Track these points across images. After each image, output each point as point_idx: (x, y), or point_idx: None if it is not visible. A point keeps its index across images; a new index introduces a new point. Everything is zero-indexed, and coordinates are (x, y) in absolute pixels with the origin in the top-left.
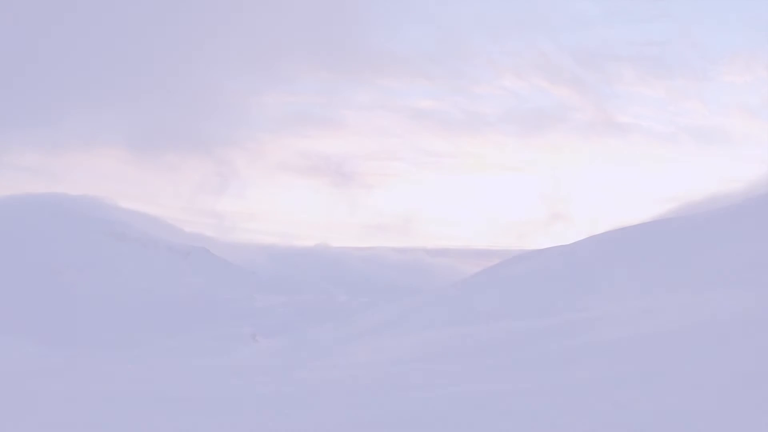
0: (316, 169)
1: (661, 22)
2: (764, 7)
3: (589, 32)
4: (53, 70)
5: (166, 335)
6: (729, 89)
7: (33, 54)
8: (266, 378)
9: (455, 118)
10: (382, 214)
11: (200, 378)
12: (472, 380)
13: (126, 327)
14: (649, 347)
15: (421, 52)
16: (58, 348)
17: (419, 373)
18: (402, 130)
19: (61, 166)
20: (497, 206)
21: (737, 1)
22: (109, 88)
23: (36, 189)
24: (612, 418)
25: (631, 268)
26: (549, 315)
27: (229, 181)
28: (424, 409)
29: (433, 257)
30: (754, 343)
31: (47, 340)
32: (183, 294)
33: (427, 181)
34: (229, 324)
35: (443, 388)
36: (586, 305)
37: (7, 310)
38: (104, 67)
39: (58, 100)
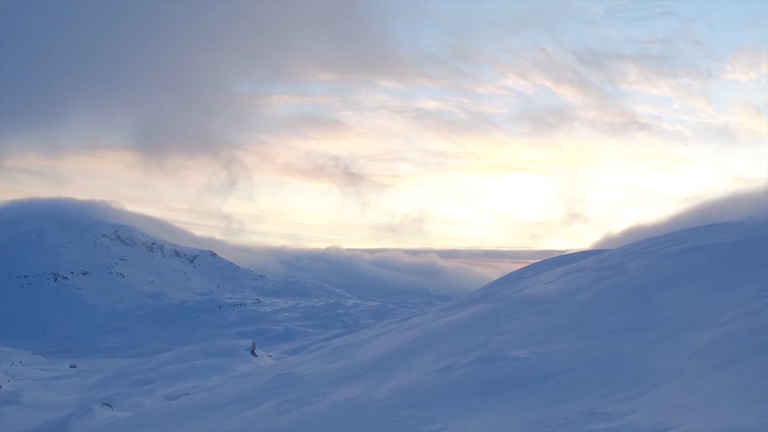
0: (323, 170)
1: (664, 20)
2: (767, 4)
3: (591, 31)
4: (57, 72)
5: (169, 341)
6: (734, 87)
7: (37, 56)
8: None
9: (459, 119)
10: (391, 216)
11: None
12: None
13: (130, 331)
14: None
15: (425, 53)
16: (62, 352)
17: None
18: (406, 130)
19: (67, 170)
20: (503, 206)
21: None
22: (115, 90)
23: (42, 193)
24: None
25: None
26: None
27: (237, 183)
28: None
29: (444, 259)
30: None
31: (51, 343)
32: (189, 298)
33: (434, 181)
34: (233, 330)
35: None
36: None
37: (12, 314)
38: (109, 69)
39: (63, 103)
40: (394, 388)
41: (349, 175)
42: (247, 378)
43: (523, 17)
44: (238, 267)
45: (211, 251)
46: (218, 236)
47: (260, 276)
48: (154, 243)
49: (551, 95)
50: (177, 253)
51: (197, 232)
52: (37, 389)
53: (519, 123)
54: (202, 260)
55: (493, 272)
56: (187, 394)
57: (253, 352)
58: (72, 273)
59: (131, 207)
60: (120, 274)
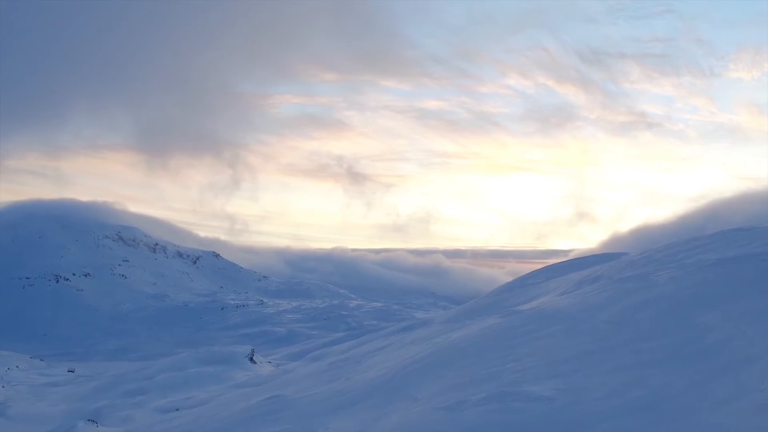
0: (327, 170)
1: (666, 18)
2: None
3: (593, 30)
4: (58, 72)
5: (171, 344)
6: (736, 85)
7: (37, 56)
8: None
9: (462, 118)
10: (396, 216)
11: None
12: None
13: (133, 333)
14: None
15: (427, 52)
16: (63, 354)
17: None
18: (409, 130)
19: (68, 170)
20: (507, 206)
21: None
22: (116, 89)
23: (44, 194)
24: None
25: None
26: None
27: (240, 183)
28: None
29: (450, 259)
30: None
31: (52, 346)
32: (192, 300)
33: (438, 181)
34: (236, 332)
35: None
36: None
37: (13, 316)
38: (110, 69)
39: (64, 103)
40: (394, 427)
41: (353, 175)
42: (240, 392)
43: (524, 16)
44: (242, 268)
45: (214, 252)
46: (222, 237)
47: (264, 277)
48: (156, 244)
49: (554, 94)
50: (180, 254)
51: (200, 233)
52: (28, 399)
53: (522, 122)
54: (205, 261)
55: (499, 272)
56: (177, 410)
57: (251, 359)
58: (74, 274)
59: (134, 208)
60: (122, 275)
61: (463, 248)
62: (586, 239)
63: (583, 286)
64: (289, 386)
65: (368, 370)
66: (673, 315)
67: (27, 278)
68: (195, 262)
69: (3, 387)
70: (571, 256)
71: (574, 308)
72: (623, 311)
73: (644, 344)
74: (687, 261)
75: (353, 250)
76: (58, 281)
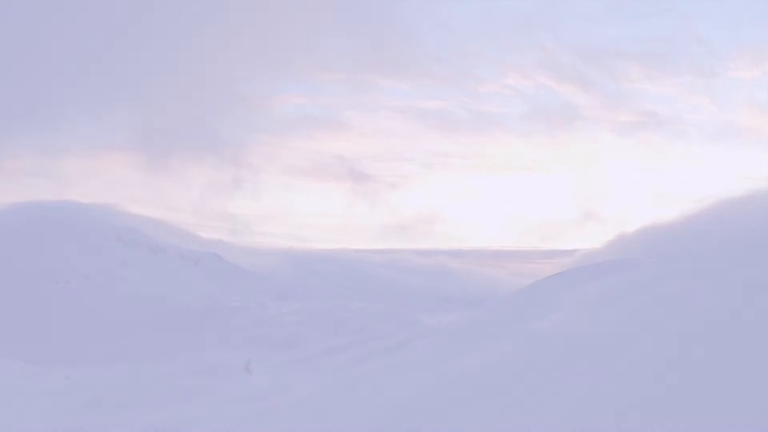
0: (329, 171)
1: (666, 17)
2: None
3: (593, 29)
4: (58, 70)
5: (171, 347)
6: (737, 85)
7: (38, 55)
8: None
9: (462, 118)
10: (400, 216)
11: None
12: None
13: (133, 336)
14: None
15: (427, 52)
16: (62, 359)
17: None
18: (409, 130)
19: (68, 171)
20: (509, 206)
21: None
22: (117, 89)
23: (43, 196)
24: None
25: None
26: None
27: (242, 184)
28: None
29: (454, 259)
30: None
31: (51, 350)
32: (192, 302)
33: (440, 182)
34: (237, 335)
35: None
36: None
37: (12, 320)
38: (111, 68)
39: (64, 103)
40: None
41: (355, 176)
42: (230, 411)
43: (524, 16)
44: (244, 269)
45: (216, 253)
46: (224, 238)
47: (265, 278)
48: (157, 246)
49: (553, 94)
50: (181, 256)
51: (202, 234)
52: (12, 412)
53: (522, 122)
54: (207, 263)
55: (503, 273)
56: None
57: (248, 369)
58: (74, 277)
59: (135, 209)
60: (122, 277)
61: (466, 249)
62: (591, 239)
63: (605, 302)
64: (276, 416)
65: (366, 402)
66: (738, 354)
67: (26, 280)
68: (196, 264)
69: None
70: (576, 257)
71: (602, 334)
72: (667, 344)
73: (708, 395)
74: (730, 278)
75: (357, 251)
76: (57, 283)
